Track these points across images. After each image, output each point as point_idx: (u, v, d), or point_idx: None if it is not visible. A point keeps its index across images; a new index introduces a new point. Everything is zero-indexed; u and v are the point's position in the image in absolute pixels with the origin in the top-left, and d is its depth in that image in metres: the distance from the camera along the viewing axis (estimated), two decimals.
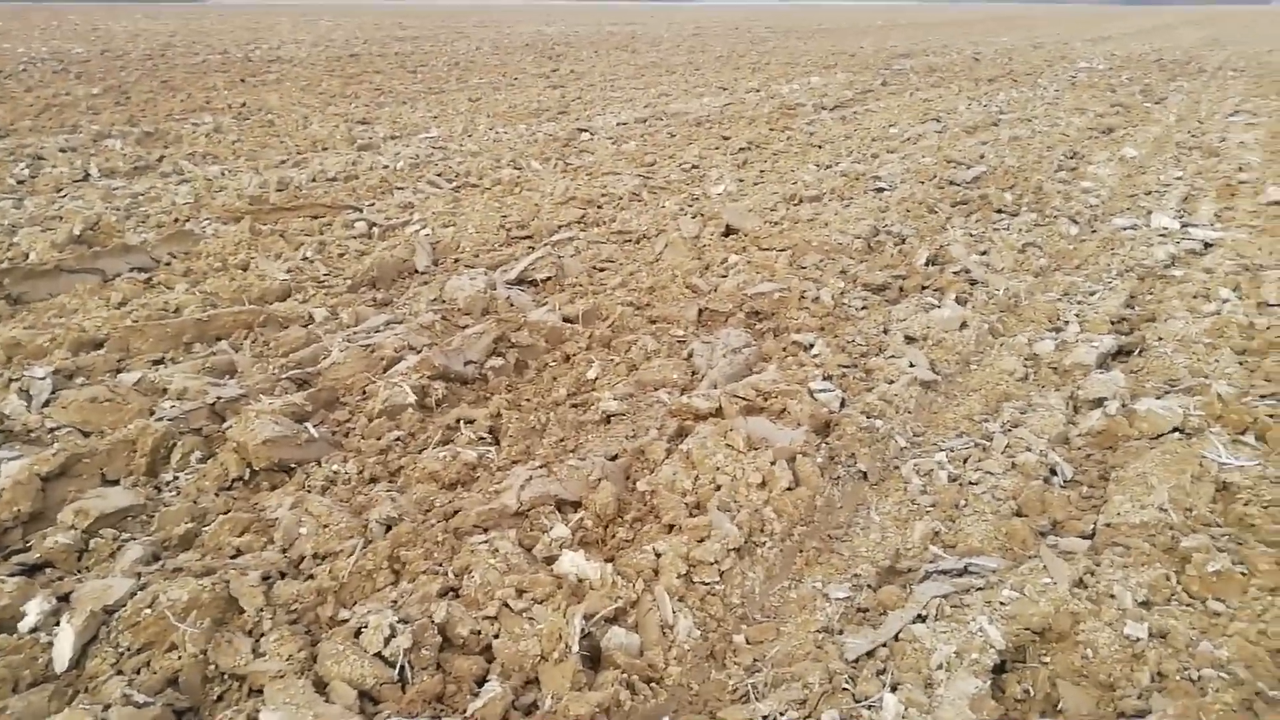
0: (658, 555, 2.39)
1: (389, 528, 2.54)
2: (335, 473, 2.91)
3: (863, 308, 4.45)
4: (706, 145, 8.96)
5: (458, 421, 3.20)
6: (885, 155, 8.22)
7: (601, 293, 4.69)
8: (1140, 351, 3.87)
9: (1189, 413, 3.13)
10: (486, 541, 2.41)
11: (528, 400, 3.44)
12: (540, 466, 2.83)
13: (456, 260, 5.13)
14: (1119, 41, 24.55)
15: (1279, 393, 3.34)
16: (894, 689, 1.97)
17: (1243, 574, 2.29)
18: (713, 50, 21.98)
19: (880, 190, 6.82)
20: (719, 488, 2.74)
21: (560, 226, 5.84)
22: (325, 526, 2.53)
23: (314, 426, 3.15)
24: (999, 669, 2.08)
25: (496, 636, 2.11)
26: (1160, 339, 3.91)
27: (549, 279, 4.83)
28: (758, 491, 2.73)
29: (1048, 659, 2.11)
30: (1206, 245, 5.36)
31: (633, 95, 12.99)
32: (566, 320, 4.20)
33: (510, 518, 2.60)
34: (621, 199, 6.74)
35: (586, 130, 9.68)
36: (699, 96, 12.78)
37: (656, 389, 3.56)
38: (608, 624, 2.17)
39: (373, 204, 6.40)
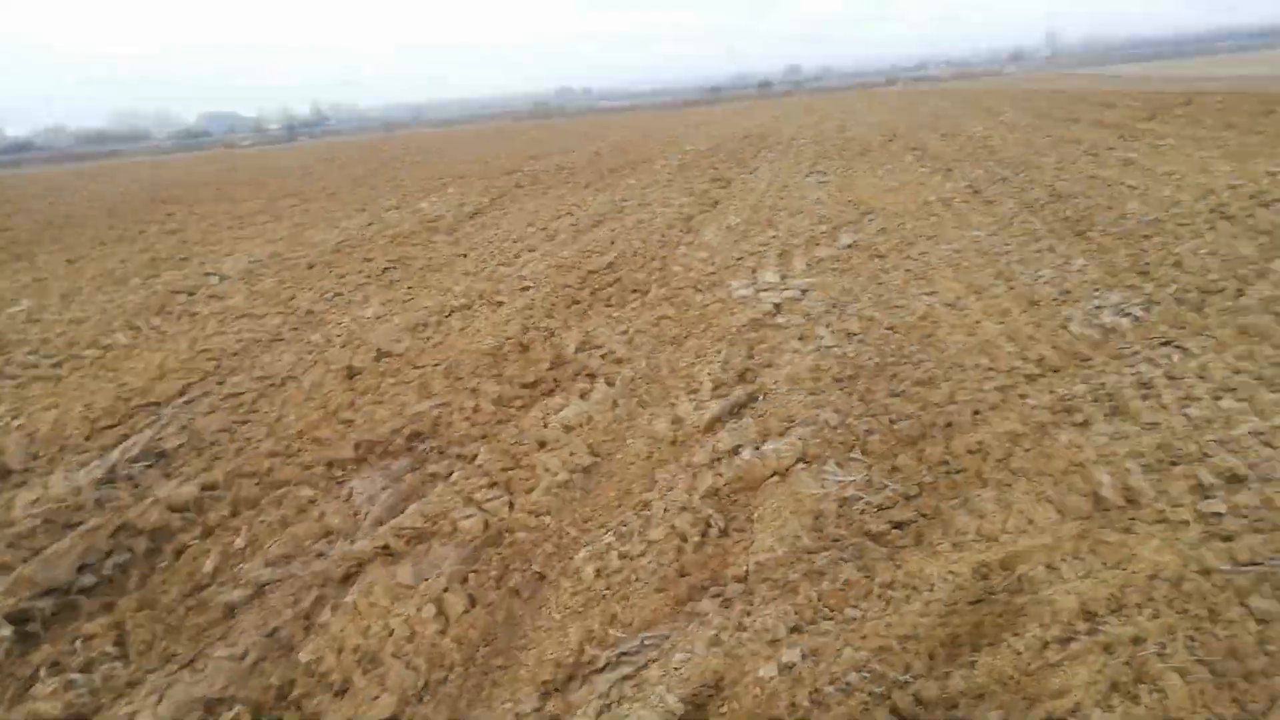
0: None
1: None
2: None
3: (522, 407, 4.53)
4: (350, 270, 8.75)
5: (73, 641, 2.73)
6: (527, 254, 8.58)
7: (246, 449, 4.32)
8: (764, 396, 4.33)
9: (807, 442, 3.54)
10: None
11: (163, 593, 3.03)
12: (181, 668, 2.49)
13: (63, 449, 4.45)
14: (713, 126, 28.16)
15: (871, 409, 3.91)
16: None
17: (866, 577, 2.60)
18: (349, 173, 21.78)
19: (526, 289, 7.08)
20: (392, 632, 2.59)
21: (189, 385, 5.33)
22: None
23: None
24: None
25: None
26: (777, 382, 4.41)
27: (181, 446, 4.36)
28: (433, 624, 2.62)
29: (724, 710, 2.22)
30: (803, 291, 6.19)
31: (265, 230, 12.40)
32: (206, 489, 3.80)
33: None
34: (261, 342, 6.33)
35: (215, 274, 9.02)
36: (338, 222, 12.52)
37: (316, 541, 3.32)
38: None
39: None
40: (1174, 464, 3.18)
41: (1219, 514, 2.83)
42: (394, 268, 8.68)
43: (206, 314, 7.30)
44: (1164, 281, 5.27)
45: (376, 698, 2.28)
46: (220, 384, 5.36)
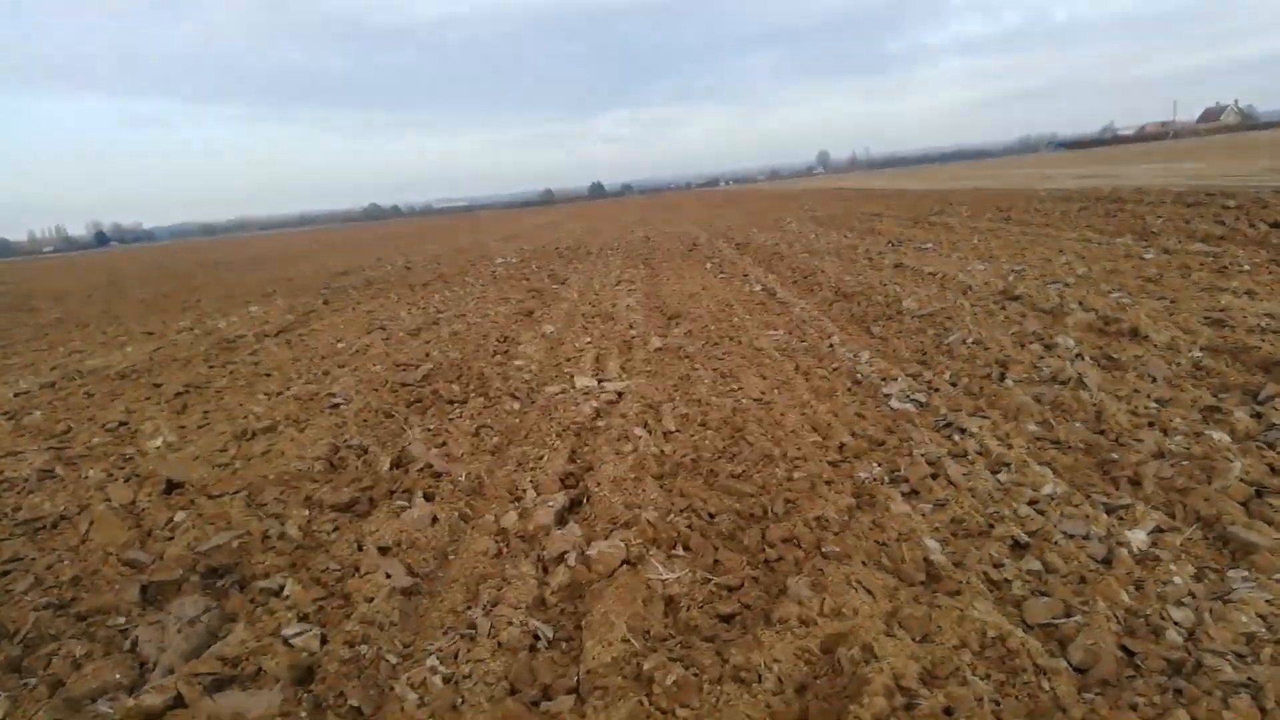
0: None
1: None
2: None
3: (334, 530, 4.28)
4: (136, 397, 8.05)
5: None
6: (336, 371, 8.26)
7: (6, 604, 3.79)
8: (587, 500, 4.34)
9: (630, 544, 3.56)
10: None
11: None
12: None
13: None
14: (525, 238, 28.73)
15: (691, 505, 4.00)
16: None
17: (694, 675, 2.61)
18: (134, 295, 20.29)
19: (336, 406, 6.78)
20: None
21: None
22: None
23: None
24: None
25: None
26: (599, 484, 4.43)
27: None
28: None
29: None
30: (619, 395, 6.32)
31: (35, 359, 11.23)
32: None
33: None
34: (27, 481, 5.64)
35: None
36: (121, 346, 11.57)
37: (94, 701, 2.93)
38: None
39: None
40: (966, 536, 3.46)
41: (1008, 580, 3.10)
42: (187, 392, 8.08)
43: None
44: (940, 369, 5.83)
45: None
46: None
